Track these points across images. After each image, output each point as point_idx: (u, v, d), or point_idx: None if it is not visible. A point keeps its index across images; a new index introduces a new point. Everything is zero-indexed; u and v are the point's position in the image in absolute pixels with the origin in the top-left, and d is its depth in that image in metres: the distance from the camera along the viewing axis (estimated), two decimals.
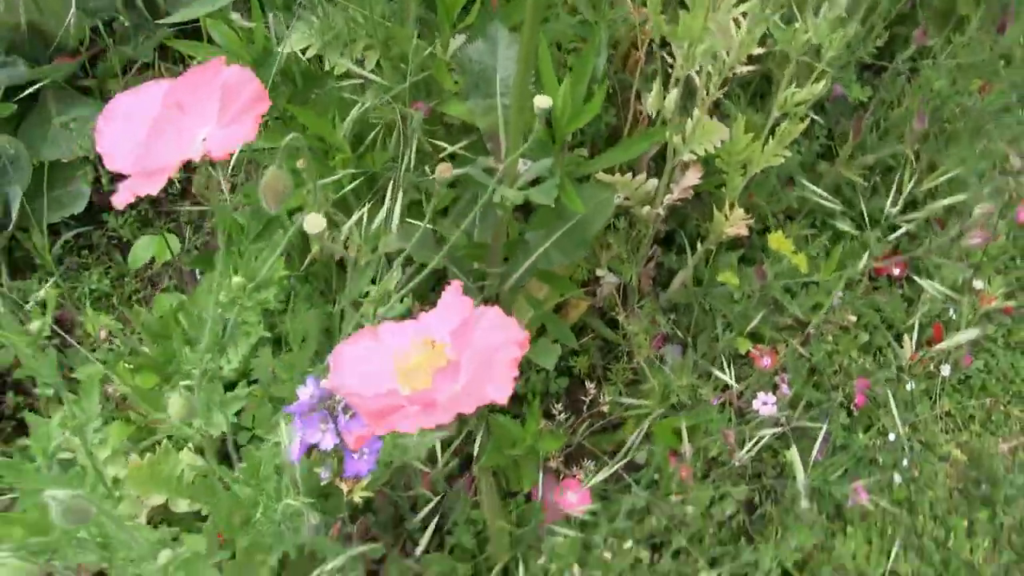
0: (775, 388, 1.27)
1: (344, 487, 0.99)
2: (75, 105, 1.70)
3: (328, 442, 0.80)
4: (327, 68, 1.19)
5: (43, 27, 1.67)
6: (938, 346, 1.49)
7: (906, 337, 1.66)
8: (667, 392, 1.42)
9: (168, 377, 1.22)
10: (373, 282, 0.97)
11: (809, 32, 1.16)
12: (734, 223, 1.33)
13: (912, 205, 1.82)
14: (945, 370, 1.63)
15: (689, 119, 1.16)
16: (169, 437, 1.22)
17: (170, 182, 1.80)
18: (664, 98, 1.10)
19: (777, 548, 1.42)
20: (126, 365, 1.28)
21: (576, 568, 1.16)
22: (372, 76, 1.13)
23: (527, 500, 1.39)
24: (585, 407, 1.41)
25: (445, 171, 0.92)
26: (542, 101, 0.85)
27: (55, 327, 1.59)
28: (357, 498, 1.02)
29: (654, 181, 1.26)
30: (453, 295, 0.66)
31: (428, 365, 0.63)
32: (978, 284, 1.67)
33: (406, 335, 0.66)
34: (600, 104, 1.08)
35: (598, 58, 1.12)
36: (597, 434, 1.47)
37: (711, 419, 1.39)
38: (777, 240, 1.26)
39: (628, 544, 1.25)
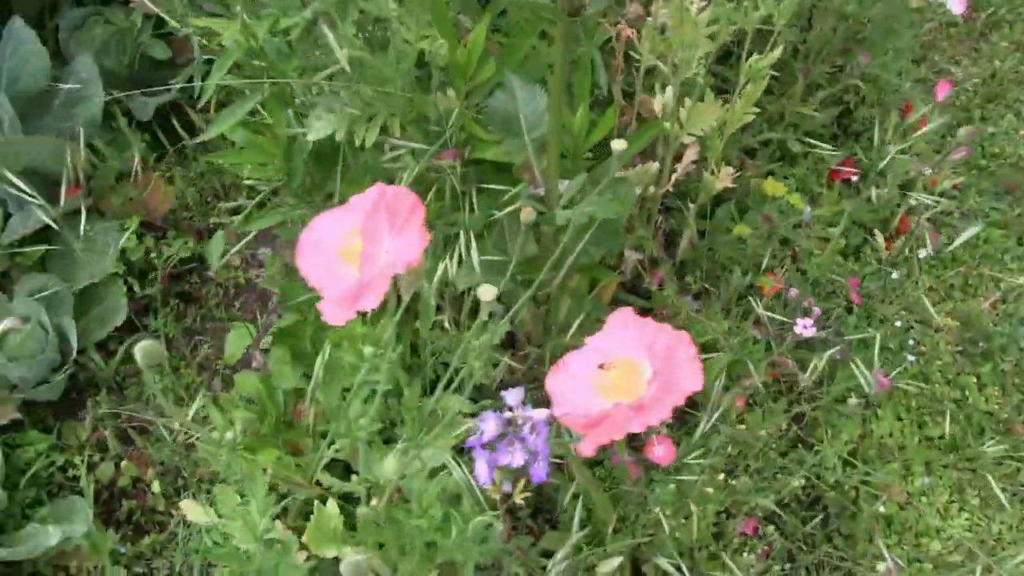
0: (806, 312, 1.47)
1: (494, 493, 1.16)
2: (89, 227, 1.81)
3: (519, 460, 0.97)
4: (359, 144, 1.33)
5: (42, 167, 1.76)
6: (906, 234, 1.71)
7: (877, 232, 1.88)
8: (704, 335, 1.61)
9: (294, 447, 1.36)
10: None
11: (760, 9, 1.35)
12: (723, 179, 1.52)
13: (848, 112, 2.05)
14: (921, 253, 1.85)
15: (682, 107, 1.34)
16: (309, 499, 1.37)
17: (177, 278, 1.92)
18: (665, 94, 1.28)
19: (832, 445, 1.63)
20: (243, 449, 1.42)
21: (691, 505, 1.34)
22: (408, 143, 1.28)
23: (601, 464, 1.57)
24: None
25: (528, 213, 1.08)
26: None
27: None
28: (519, 500, 1.19)
29: (657, 164, 1.44)
30: (625, 318, 0.83)
31: (626, 381, 0.79)
32: (927, 170, 1.89)
33: (591, 362, 0.83)
34: (614, 118, 1.25)
35: (598, 76, 1.29)
36: None
37: (750, 351, 1.59)
38: (772, 186, 1.45)
39: (720, 476, 1.45)
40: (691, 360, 0.77)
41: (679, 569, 1.33)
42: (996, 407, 1.77)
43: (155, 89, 1.99)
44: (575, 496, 1.53)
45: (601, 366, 0.84)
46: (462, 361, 1.13)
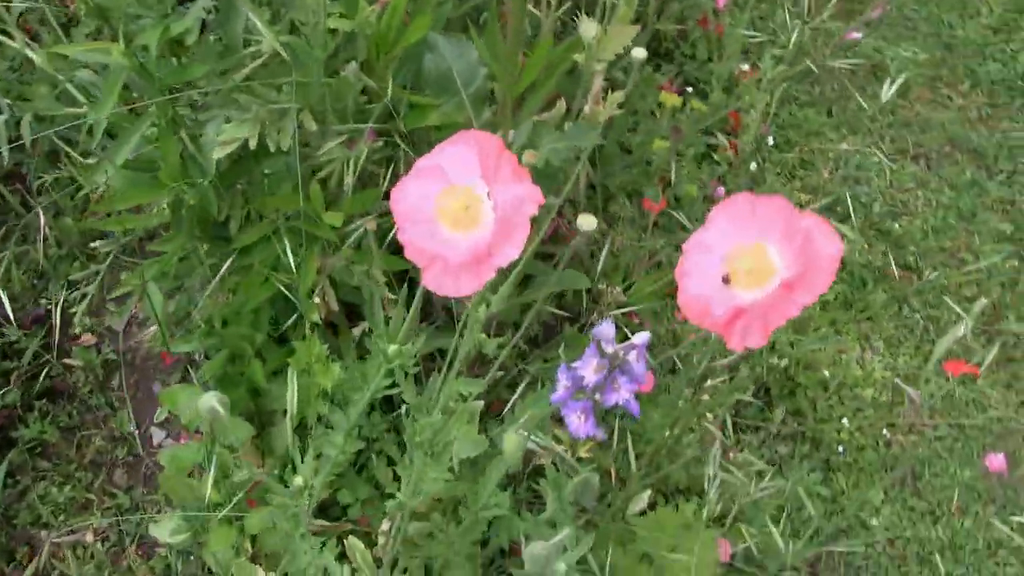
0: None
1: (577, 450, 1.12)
2: None
3: (625, 395, 0.94)
4: (277, 148, 1.22)
5: None
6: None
7: (719, 134, 1.99)
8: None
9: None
10: None
11: None
12: (612, 106, 1.54)
13: None
14: (770, 140, 1.99)
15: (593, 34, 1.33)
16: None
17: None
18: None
19: None
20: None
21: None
22: (339, 130, 1.19)
23: None
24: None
25: (532, 157, 1.03)
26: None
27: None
28: (584, 454, 1.15)
29: (563, 102, 1.43)
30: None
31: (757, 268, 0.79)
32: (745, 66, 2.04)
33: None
34: (542, 60, 1.23)
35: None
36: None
37: None
38: (668, 98, 1.49)
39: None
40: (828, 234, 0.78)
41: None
42: (869, 259, 1.94)
43: None
44: None
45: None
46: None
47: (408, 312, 1.09)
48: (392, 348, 1.06)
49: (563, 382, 0.99)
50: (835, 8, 1.68)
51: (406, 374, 1.15)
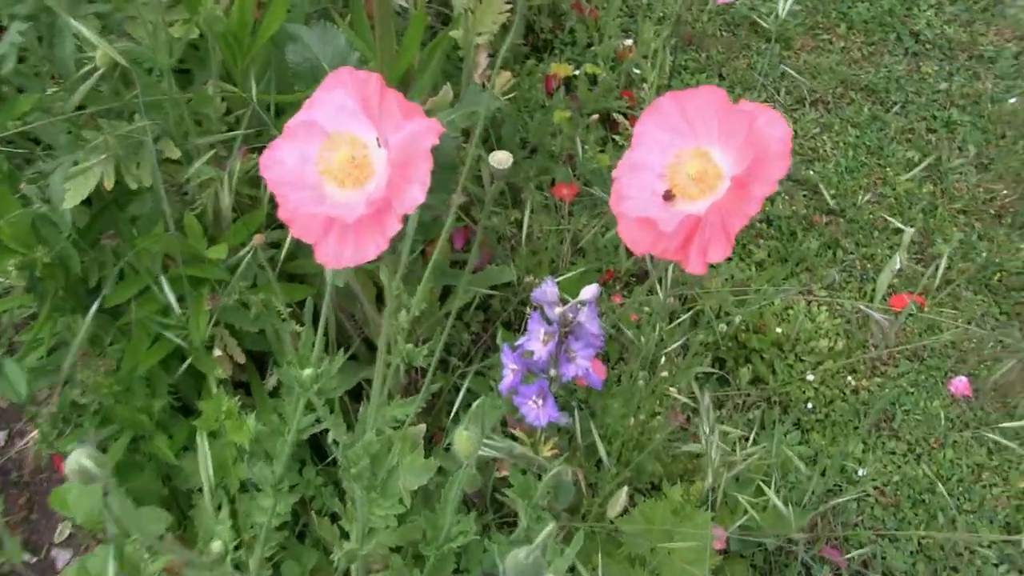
0: None
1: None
2: None
3: (583, 365, 0.82)
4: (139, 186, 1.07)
5: None
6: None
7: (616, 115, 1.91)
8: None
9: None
10: None
11: None
12: (502, 84, 1.44)
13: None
14: None
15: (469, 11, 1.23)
16: None
17: None
18: None
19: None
20: None
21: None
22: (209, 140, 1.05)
23: None
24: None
25: (505, 160, 0.91)
26: None
27: None
28: (548, 453, 1.02)
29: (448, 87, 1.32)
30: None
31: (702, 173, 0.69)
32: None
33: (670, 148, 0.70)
34: (420, 33, 1.12)
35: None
36: None
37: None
38: (559, 67, 1.40)
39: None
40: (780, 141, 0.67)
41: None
42: (793, 209, 1.87)
43: None
44: None
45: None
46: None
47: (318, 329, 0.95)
48: (307, 372, 0.91)
49: (510, 365, 0.86)
50: None
51: (331, 406, 1.01)
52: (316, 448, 1.31)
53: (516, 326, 1.53)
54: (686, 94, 0.72)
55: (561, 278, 1.50)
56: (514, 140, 1.67)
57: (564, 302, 0.84)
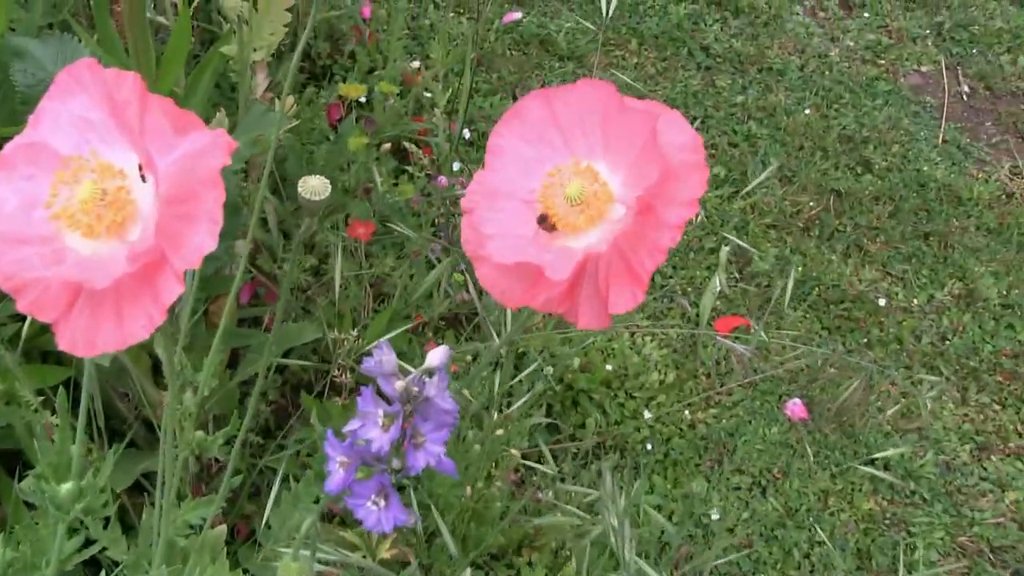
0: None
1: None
2: None
3: (434, 451, 0.62)
4: None
5: None
6: None
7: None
8: None
9: None
10: None
11: None
12: (290, 107, 1.24)
13: None
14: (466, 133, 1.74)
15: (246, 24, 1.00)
16: None
17: None
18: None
19: None
20: None
21: None
22: None
23: None
24: None
25: (321, 189, 0.68)
26: None
27: None
28: (387, 554, 0.82)
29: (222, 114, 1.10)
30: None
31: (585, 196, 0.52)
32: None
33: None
34: (185, 46, 0.89)
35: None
36: None
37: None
38: (350, 88, 1.21)
39: None
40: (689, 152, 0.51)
41: None
42: None
43: None
44: None
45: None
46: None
47: (76, 424, 0.71)
48: (65, 488, 0.67)
49: (337, 458, 0.65)
50: None
51: (104, 521, 0.77)
52: (93, 564, 1.04)
53: (320, 392, 1.31)
54: (557, 92, 0.54)
55: (366, 332, 1.30)
56: (299, 175, 1.45)
57: (403, 371, 0.64)
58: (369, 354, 0.64)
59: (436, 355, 0.63)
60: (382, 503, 0.66)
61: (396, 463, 0.66)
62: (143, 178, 0.44)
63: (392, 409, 0.62)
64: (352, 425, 0.64)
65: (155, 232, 0.42)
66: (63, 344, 0.45)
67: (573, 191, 0.54)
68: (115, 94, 0.44)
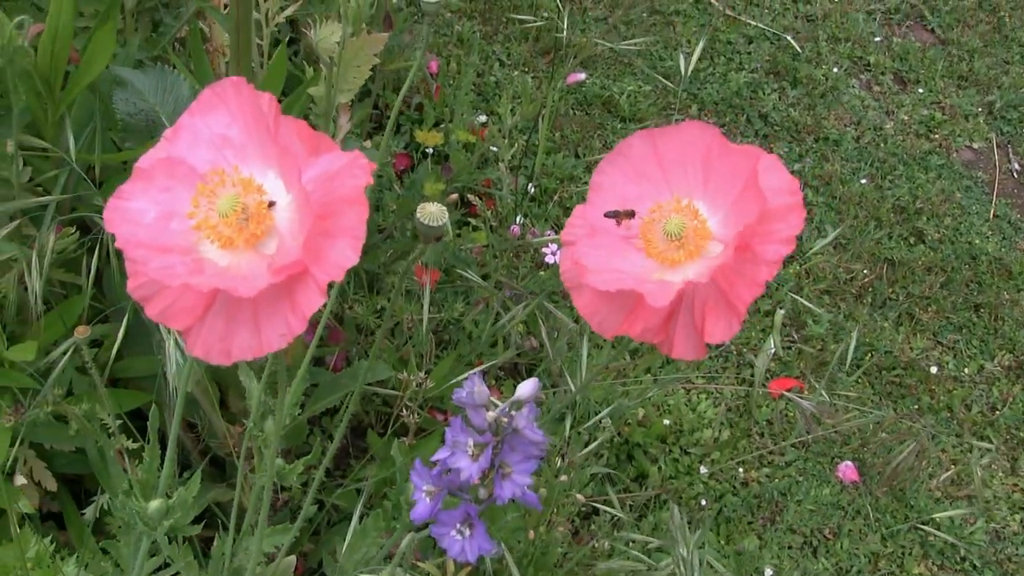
0: None
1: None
2: None
3: (523, 480, 0.65)
4: None
5: None
6: None
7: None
8: None
9: None
10: None
11: None
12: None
13: None
14: None
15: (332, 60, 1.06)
16: None
17: None
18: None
19: None
20: None
21: None
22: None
23: None
24: None
25: (439, 215, 0.72)
26: None
27: None
28: None
29: None
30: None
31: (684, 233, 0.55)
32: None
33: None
34: (282, 75, 0.94)
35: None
36: None
37: None
38: (427, 135, 1.25)
39: None
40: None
41: None
42: None
43: None
44: None
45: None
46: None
47: (166, 449, 0.74)
48: (154, 505, 0.70)
49: (423, 488, 0.68)
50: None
51: (183, 542, 0.79)
52: None
53: (382, 430, 1.33)
54: (662, 132, 0.58)
55: (431, 375, 1.32)
56: (371, 220, 1.50)
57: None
58: (445, 394, 0.67)
59: (526, 387, 0.66)
60: (467, 532, 0.69)
61: (482, 493, 0.68)
62: (286, 191, 0.48)
63: (482, 439, 0.64)
64: (441, 454, 0.67)
65: (302, 246, 0.45)
66: (197, 351, 0.48)
67: (673, 227, 0.57)
68: (258, 110, 0.48)
